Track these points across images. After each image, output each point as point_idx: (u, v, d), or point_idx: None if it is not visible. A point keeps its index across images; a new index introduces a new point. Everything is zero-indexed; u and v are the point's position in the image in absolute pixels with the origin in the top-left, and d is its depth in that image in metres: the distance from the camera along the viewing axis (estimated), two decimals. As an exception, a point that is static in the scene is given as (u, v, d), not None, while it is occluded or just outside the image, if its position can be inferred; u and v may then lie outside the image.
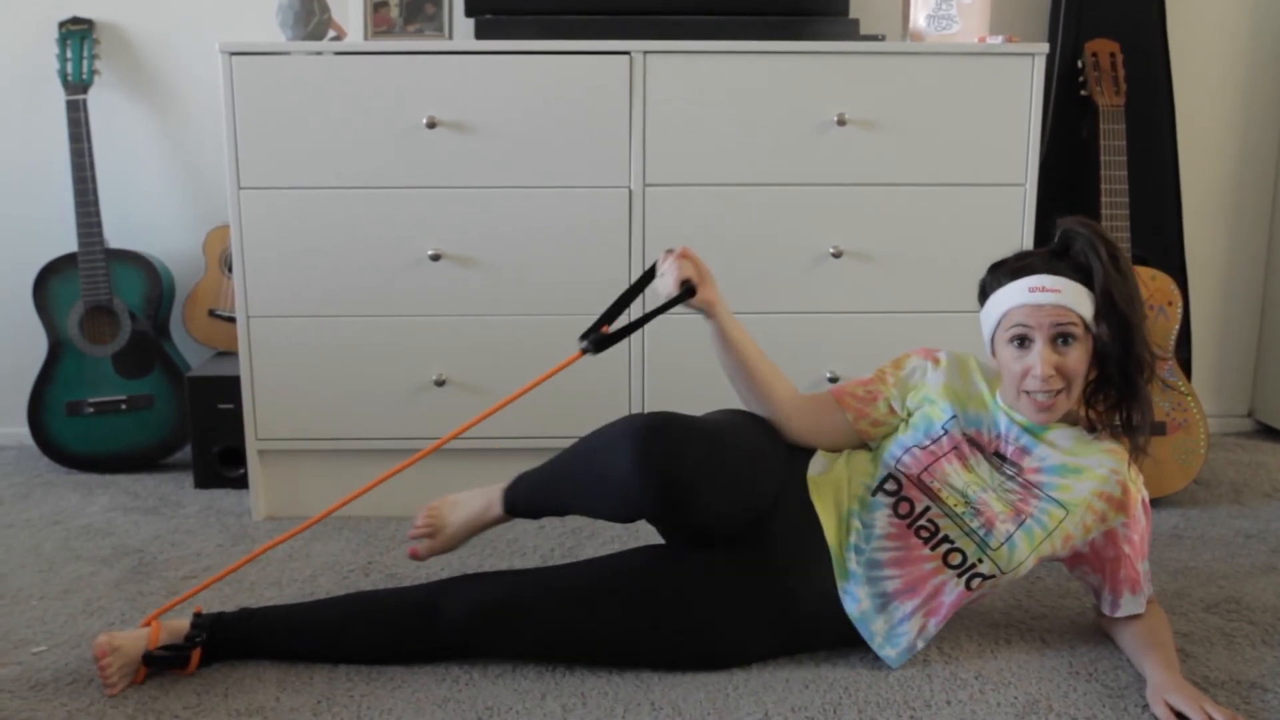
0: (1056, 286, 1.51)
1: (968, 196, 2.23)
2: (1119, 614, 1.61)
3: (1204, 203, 2.90)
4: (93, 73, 2.59)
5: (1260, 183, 2.91)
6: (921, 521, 1.57)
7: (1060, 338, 1.51)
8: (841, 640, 1.60)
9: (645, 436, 1.45)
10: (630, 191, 2.20)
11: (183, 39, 2.69)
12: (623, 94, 2.16)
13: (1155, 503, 2.34)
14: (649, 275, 1.67)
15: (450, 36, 2.44)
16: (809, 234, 2.22)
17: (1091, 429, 1.61)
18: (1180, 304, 2.43)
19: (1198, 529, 2.21)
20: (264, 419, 2.24)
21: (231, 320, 2.62)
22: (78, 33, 2.60)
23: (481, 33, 2.26)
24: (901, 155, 2.21)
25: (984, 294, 1.61)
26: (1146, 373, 1.54)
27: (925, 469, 1.58)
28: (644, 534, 2.14)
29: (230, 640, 1.57)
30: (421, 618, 1.55)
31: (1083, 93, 2.54)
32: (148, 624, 1.56)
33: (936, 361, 1.67)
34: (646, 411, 1.61)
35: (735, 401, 1.80)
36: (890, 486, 1.60)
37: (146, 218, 2.76)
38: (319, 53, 2.16)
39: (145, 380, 2.59)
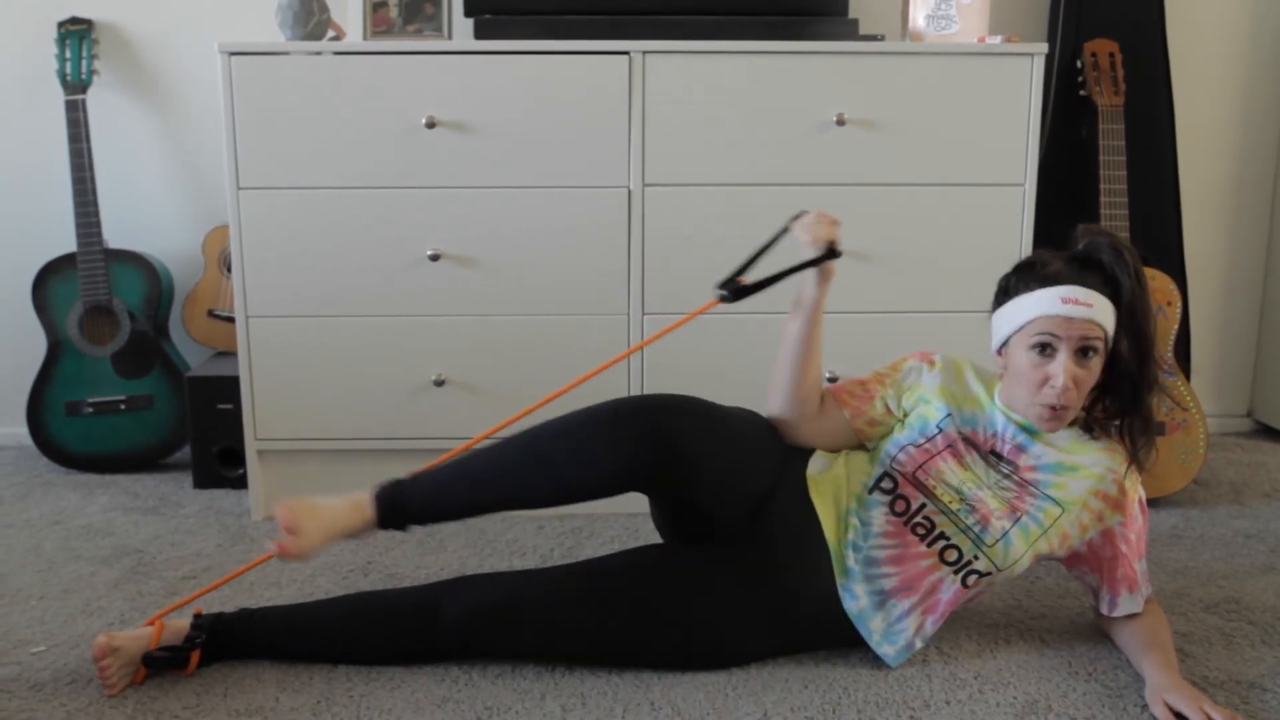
0: (1090, 301, 1.50)
1: (967, 196, 2.23)
2: (1116, 613, 1.61)
3: (1204, 203, 2.90)
4: (92, 73, 2.59)
5: (1260, 183, 2.91)
6: (918, 519, 1.57)
7: (1083, 350, 1.51)
8: (841, 639, 1.61)
9: (637, 404, 1.48)
10: (629, 191, 2.20)
11: (182, 39, 2.68)
12: (622, 94, 2.16)
13: (1155, 503, 2.35)
14: (785, 230, 1.67)
15: (449, 36, 2.44)
16: (808, 234, 2.22)
17: (1089, 429, 1.61)
18: (1180, 304, 2.43)
19: (1197, 529, 2.21)
20: (263, 419, 2.24)
21: (231, 320, 2.62)
22: (77, 33, 2.60)
23: (481, 33, 2.26)
24: (901, 155, 2.21)
25: (1006, 293, 1.59)
26: (1155, 388, 1.54)
27: (920, 466, 1.59)
28: (644, 534, 2.15)
29: (230, 641, 1.57)
30: (421, 618, 1.55)
31: (1082, 93, 2.54)
32: (151, 623, 1.56)
33: (932, 364, 1.67)
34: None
35: (735, 402, 1.80)
36: (886, 484, 1.60)
37: (146, 218, 2.76)
38: (318, 53, 2.16)
39: (144, 380, 2.59)
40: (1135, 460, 1.57)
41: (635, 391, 2.26)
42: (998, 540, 1.55)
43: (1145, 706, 1.48)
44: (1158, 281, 2.38)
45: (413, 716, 1.45)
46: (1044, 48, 2.19)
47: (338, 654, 1.58)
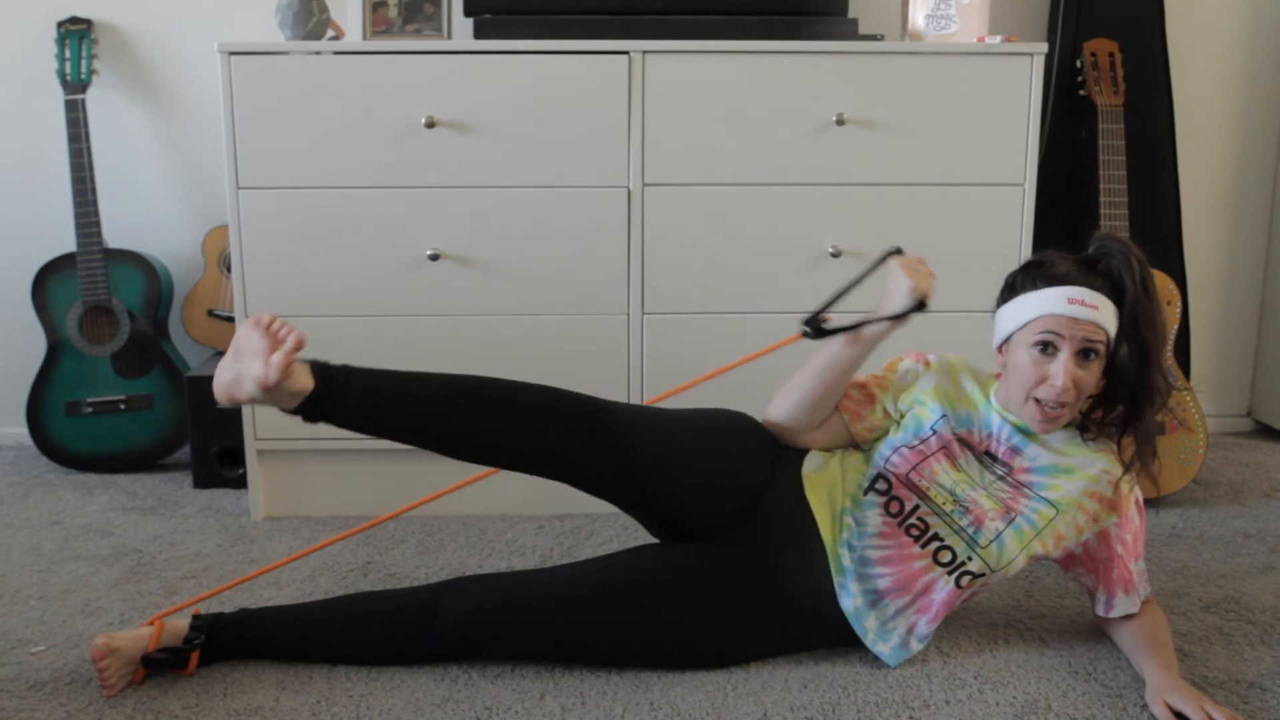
0: (1095, 303, 1.50)
1: (967, 196, 2.23)
2: (1113, 614, 1.61)
3: (1204, 203, 2.90)
4: (91, 72, 2.59)
5: (1260, 183, 2.90)
6: (912, 520, 1.57)
7: (1085, 352, 1.51)
8: (839, 638, 1.61)
9: (594, 414, 1.52)
10: (629, 191, 2.19)
11: (182, 39, 2.68)
12: (621, 94, 2.16)
13: (1154, 503, 2.34)
14: (877, 265, 1.66)
15: (449, 36, 2.44)
16: (808, 234, 2.22)
17: (1085, 430, 1.61)
18: (1179, 304, 2.43)
19: (1197, 529, 2.21)
20: (263, 419, 2.24)
21: (230, 320, 2.62)
22: (76, 32, 2.60)
23: (480, 32, 2.26)
24: (901, 155, 2.21)
25: (1011, 291, 1.58)
26: (1158, 401, 1.53)
27: (914, 468, 1.59)
28: (643, 534, 2.14)
29: (229, 641, 1.57)
30: (420, 619, 1.55)
31: (1081, 92, 2.54)
32: (151, 624, 1.56)
33: (927, 364, 1.67)
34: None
35: (733, 404, 1.80)
36: (881, 486, 1.60)
37: (145, 218, 2.76)
38: (318, 52, 2.16)
39: (144, 380, 2.59)
40: (1140, 465, 1.56)
41: (635, 392, 2.25)
42: (991, 541, 1.55)
43: (1145, 706, 1.47)
44: (1157, 281, 2.38)
45: (412, 716, 1.45)
46: (1044, 47, 2.19)
47: (337, 654, 1.58)
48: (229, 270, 2.59)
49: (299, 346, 1.41)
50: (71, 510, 2.32)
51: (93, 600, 1.84)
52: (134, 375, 2.59)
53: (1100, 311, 1.50)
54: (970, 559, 1.56)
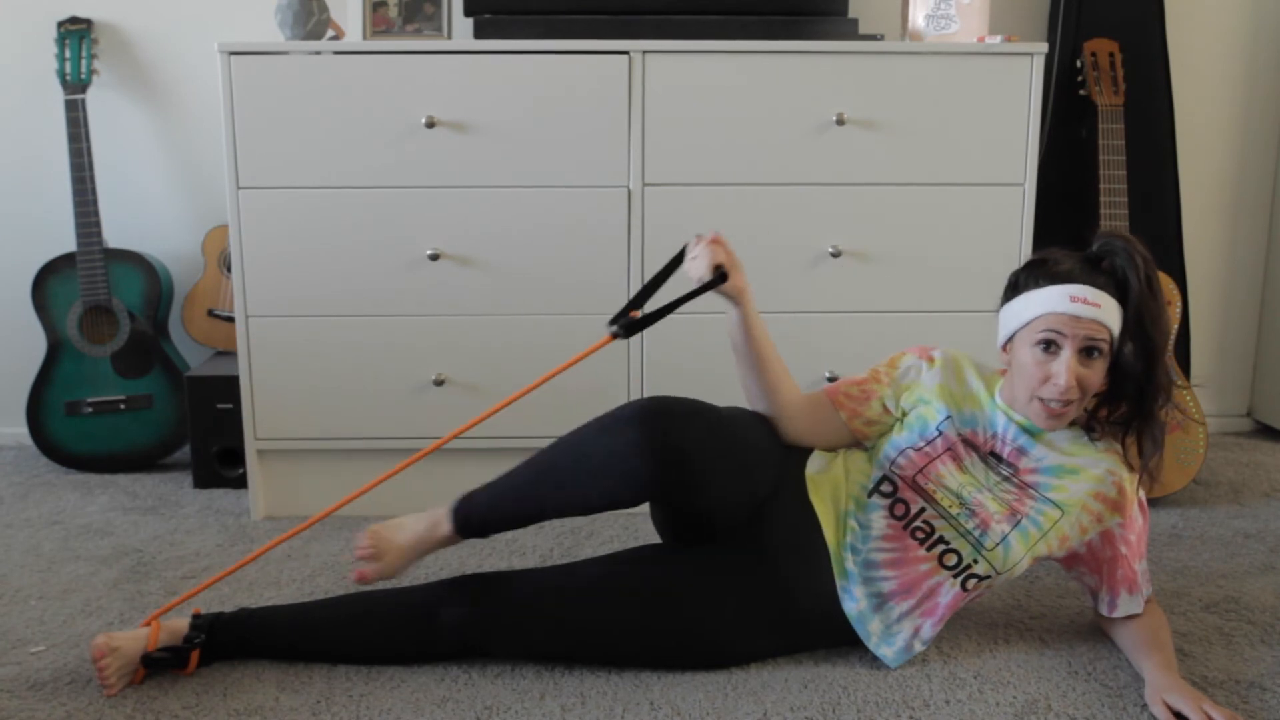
0: (1098, 301, 1.50)
1: (967, 196, 2.23)
2: (1116, 614, 1.61)
3: (1204, 202, 2.90)
4: (91, 72, 2.59)
5: (1260, 183, 2.91)
6: (917, 523, 1.57)
7: (1087, 350, 1.51)
8: (840, 639, 1.60)
9: (648, 415, 1.46)
10: (629, 191, 2.19)
11: (182, 39, 2.68)
12: (622, 94, 2.16)
13: (1154, 502, 2.35)
14: (678, 259, 1.66)
15: (449, 36, 2.44)
16: (808, 234, 2.22)
17: (1090, 430, 1.61)
18: (1180, 304, 2.43)
19: (1197, 529, 2.21)
20: (263, 419, 2.24)
21: (230, 320, 2.62)
22: (76, 32, 2.60)
23: (480, 32, 2.26)
24: (900, 155, 2.21)
25: (1015, 289, 1.58)
26: (1162, 399, 1.53)
27: (920, 471, 1.58)
28: (644, 534, 2.14)
29: (229, 641, 1.57)
30: (420, 618, 1.55)
31: (1081, 92, 2.54)
32: (148, 624, 1.56)
33: (931, 361, 1.66)
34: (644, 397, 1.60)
35: (734, 402, 1.80)
36: (886, 488, 1.60)
37: (145, 217, 2.76)
38: (318, 52, 2.16)
39: (144, 380, 2.59)
40: (1144, 469, 1.56)
41: (635, 392, 2.26)
42: (997, 544, 1.55)
43: (1145, 706, 1.47)
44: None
45: (412, 716, 1.45)
46: (1044, 47, 2.19)
47: (337, 654, 1.58)
48: (229, 270, 2.59)
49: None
50: (71, 510, 2.32)
51: (93, 600, 1.84)
52: (134, 375, 2.59)
53: (1103, 309, 1.50)
54: (976, 562, 1.56)
